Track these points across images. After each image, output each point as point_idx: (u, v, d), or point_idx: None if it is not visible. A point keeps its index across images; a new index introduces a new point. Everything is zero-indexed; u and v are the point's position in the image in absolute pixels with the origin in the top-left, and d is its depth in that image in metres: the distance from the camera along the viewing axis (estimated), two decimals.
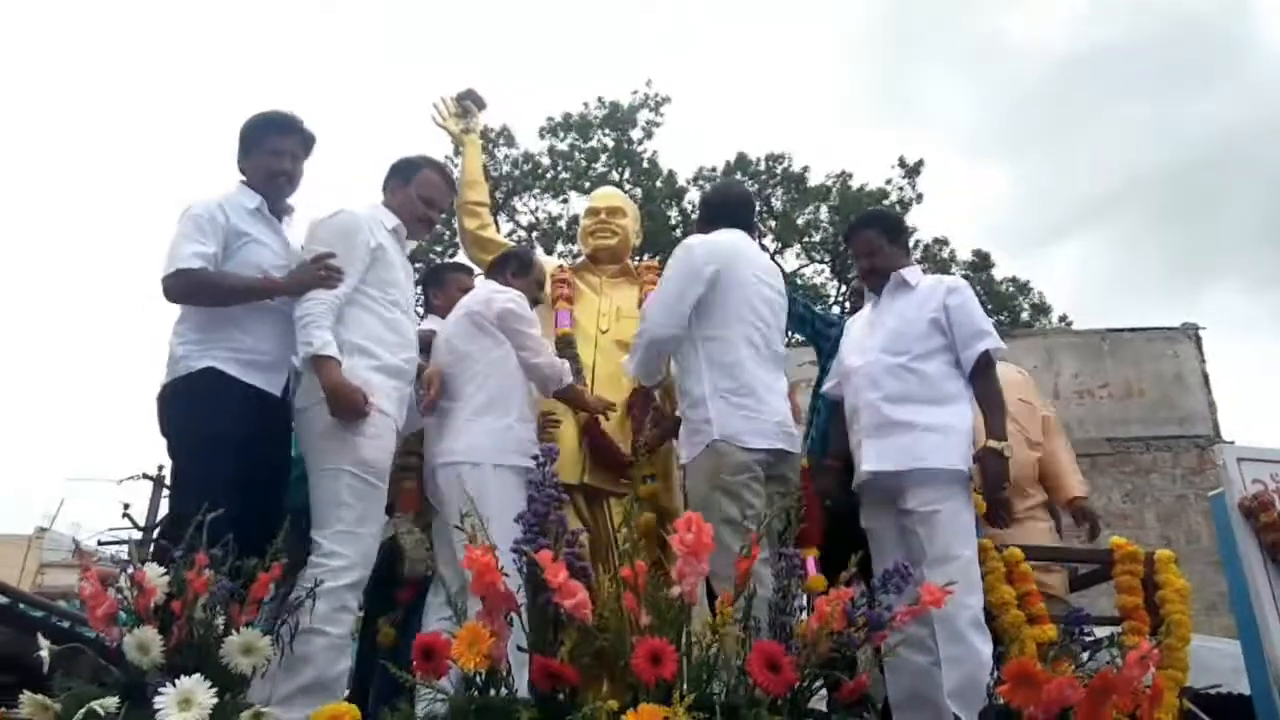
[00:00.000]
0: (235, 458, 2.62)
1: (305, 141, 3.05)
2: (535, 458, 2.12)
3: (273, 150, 2.98)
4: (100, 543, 19.34)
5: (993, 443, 2.77)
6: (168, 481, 18.64)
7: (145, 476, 19.35)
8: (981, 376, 2.89)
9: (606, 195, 4.17)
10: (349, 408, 2.63)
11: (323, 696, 2.44)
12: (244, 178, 3.00)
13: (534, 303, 3.37)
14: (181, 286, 2.75)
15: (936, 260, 18.58)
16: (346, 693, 2.72)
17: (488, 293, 3.15)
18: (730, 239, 3.09)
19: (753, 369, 2.91)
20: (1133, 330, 13.03)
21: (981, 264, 19.16)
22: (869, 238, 3.21)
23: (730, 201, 3.32)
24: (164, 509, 19.22)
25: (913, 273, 3.11)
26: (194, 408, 2.69)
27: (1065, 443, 3.73)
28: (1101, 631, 2.89)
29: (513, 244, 3.85)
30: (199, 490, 2.40)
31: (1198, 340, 12.88)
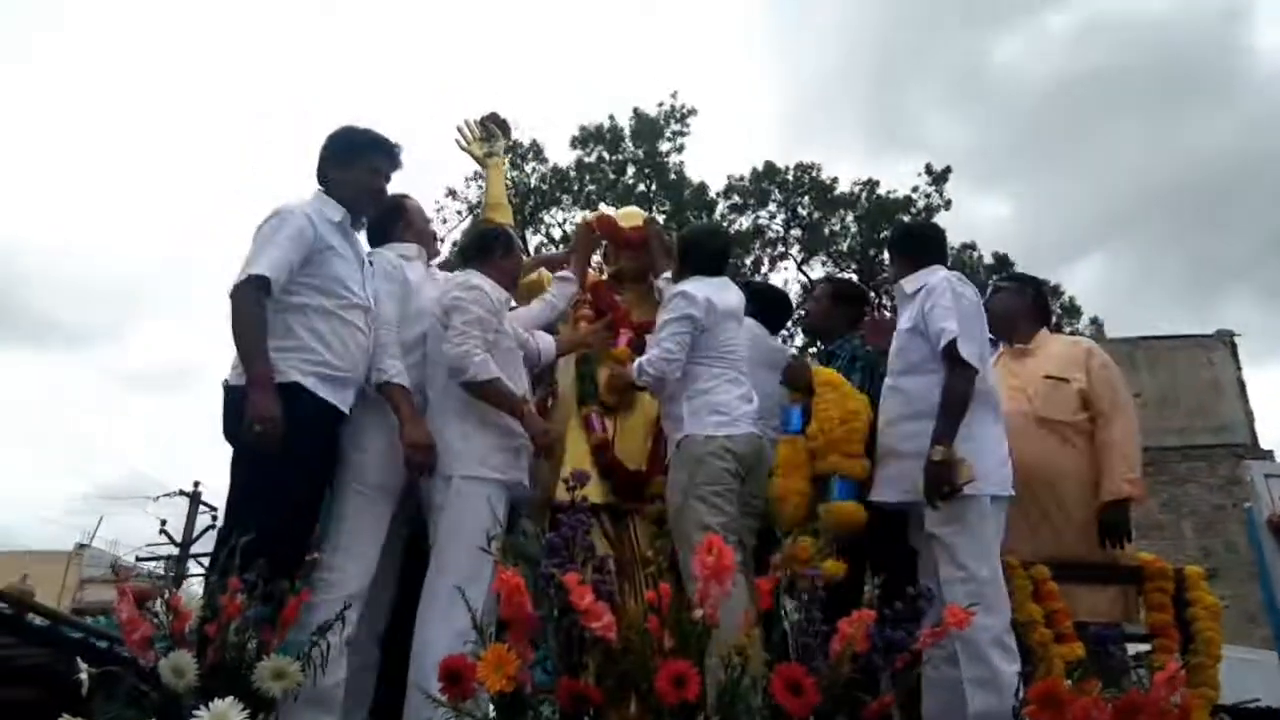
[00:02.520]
0: (305, 477, 2.67)
1: (397, 166, 3.16)
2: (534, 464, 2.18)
3: (375, 169, 3.07)
4: (138, 559, 19.66)
5: (931, 450, 2.72)
6: (203, 498, 18.93)
7: (182, 493, 19.66)
8: (946, 374, 2.82)
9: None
10: (424, 463, 2.78)
11: (320, 708, 2.49)
12: (326, 186, 3.01)
13: (521, 272, 3.43)
14: (242, 296, 2.67)
15: (966, 265, 18.45)
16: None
17: (448, 289, 3.08)
18: (712, 292, 3.21)
19: (728, 389, 3.12)
20: (1167, 338, 12.87)
21: (1002, 267, 18.99)
22: (889, 259, 3.42)
23: (710, 251, 3.43)
24: (200, 525, 19.53)
25: (914, 280, 3.08)
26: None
27: (1126, 428, 3.23)
28: (1132, 649, 2.88)
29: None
30: (265, 506, 2.47)
31: (1233, 348, 12.69)
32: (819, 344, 3.79)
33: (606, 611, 1.87)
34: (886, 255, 3.43)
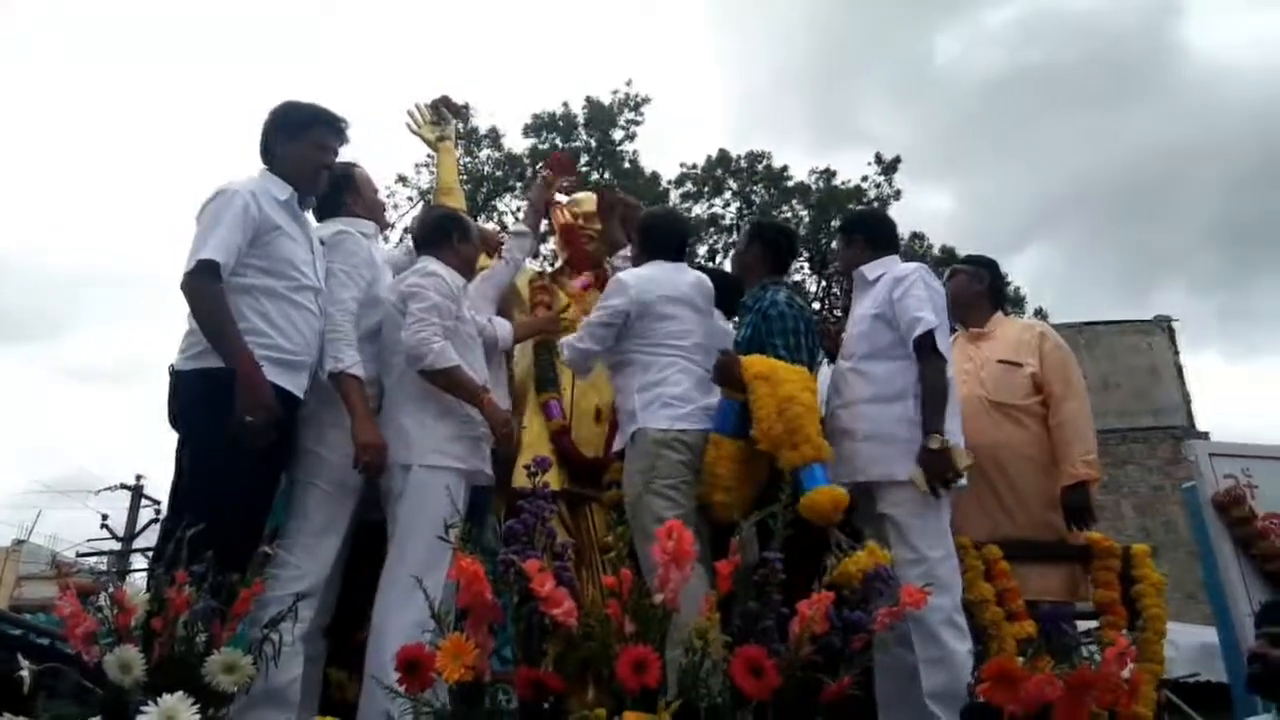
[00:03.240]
0: (257, 464, 2.59)
1: (343, 142, 3.05)
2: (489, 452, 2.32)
3: (320, 144, 2.95)
4: (79, 554, 19.18)
5: (926, 439, 2.74)
6: (146, 491, 18.49)
7: (124, 487, 19.20)
8: (921, 364, 2.83)
9: (582, 201, 4.18)
10: (374, 464, 2.71)
11: (276, 705, 2.46)
12: (270, 164, 2.91)
13: (478, 258, 3.36)
14: (198, 285, 2.58)
15: (916, 256, 18.70)
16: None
17: (405, 275, 3.02)
18: (658, 274, 3.19)
19: (679, 379, 3.04)
20: (1107, 323, 13.19)
21: (949, 260, 19.28)
22: (838, 244, 3.38)
23: (669, 235, 3.40)
24: (143, 519, 19.09)
25: (875, 267, 3.08)
26: (223, 407, 2.51)
27: (1078, 409, 3.28)
28: (1080, 626, 2.94)
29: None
30: (214, 495, 2.41)
31: (1171, 333, 13.05)
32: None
33: (567, 598, 1.85)
34: (841, 240, 3.38)
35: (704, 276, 3.32)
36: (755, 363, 2.96)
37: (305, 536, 2.70)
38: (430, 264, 3.01)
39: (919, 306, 2.85)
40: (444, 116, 4.05)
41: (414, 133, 4.03)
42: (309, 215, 3.02)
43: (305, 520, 2.73)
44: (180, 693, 1.87)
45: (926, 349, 2.82)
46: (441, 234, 3.15)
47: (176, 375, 2.65)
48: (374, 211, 3.21)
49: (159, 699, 1.85)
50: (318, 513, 2.73)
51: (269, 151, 2.93)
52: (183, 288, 2.61)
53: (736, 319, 3.37)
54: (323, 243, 2.96)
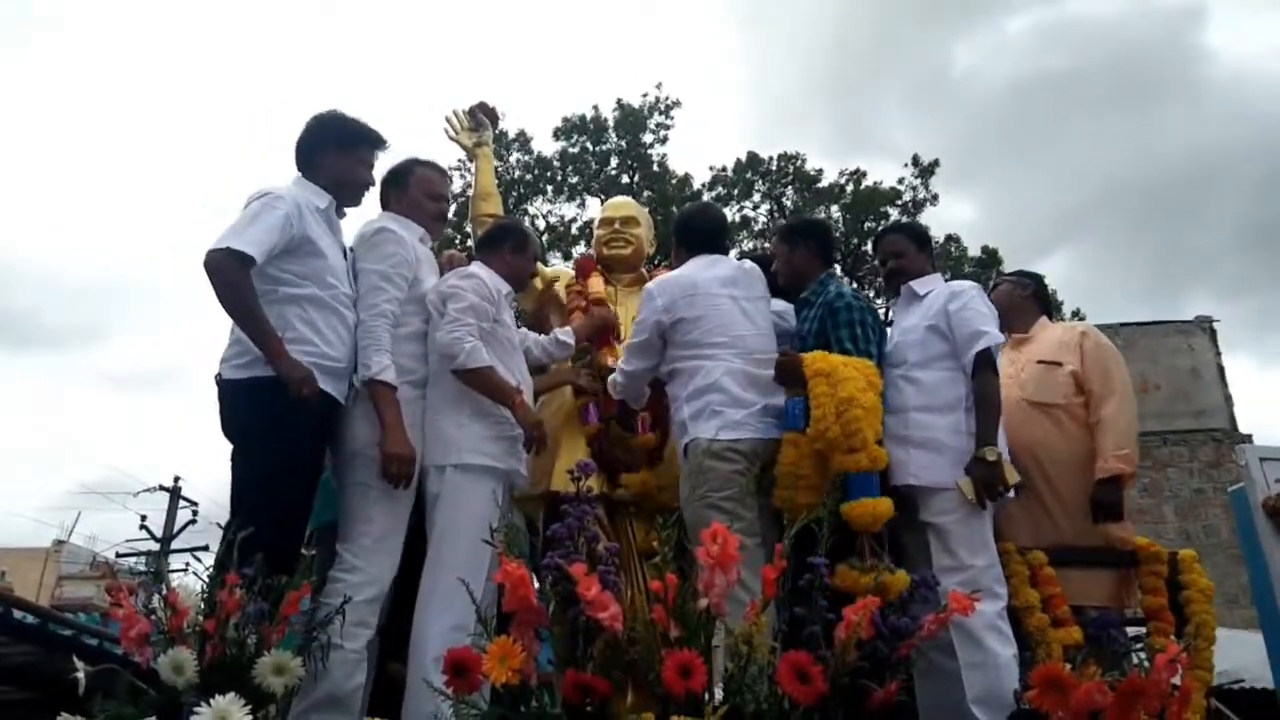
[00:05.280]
0: (307, 470, 2.64)
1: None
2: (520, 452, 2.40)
3: (365, 162, 3.03)
4: (118, 555, 19.50)
5: (979, 451, 2.75)
6: (184, 493, 18.74)
7: (162, 489, 19.49)
8: (978, 377, 2.87)
9: (620, 205, 4.17)
10: (401, 474, 2.69)
11: (339, 711, 2.47)
12: (307, 170, 2.94)
13: (532, 276, 3.39)
14: (225, 265, 2.59)
15: (950, 258, 18.53)
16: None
17: (446, 278, 3.03)
18: (693, 272, 3.17)
19: (730, 385, 2.98)
20: (1147, 324, 12.98)
21: (990, 261, 19.08)
22: (895, 240, 3.34)
23: (703, 228, 3.39)
24: (180, 520, 19.38)
25: (924, 283, 3.15)
26: (274, 415, 2.57)
27: (1117, 406, 3.17)
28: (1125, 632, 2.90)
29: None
30: (267, 502, 2.46)
31: (1212, 334, 12.82)
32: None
33: (613, 602, 1.86)
34: (904, 238, 3.34)
35: (744, 263, 3.27)
36: (816, 359, 2.90)
37: (371, 540, 2.67)
38: (474, 266, 3.05)
39: (982, 321, 2.91)
40: (481, 122, 4.07)
41: (452, 139, 4.04)
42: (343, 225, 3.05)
43: (369, 524, 2.69)
44: (232, 694, 1.90)
45: (985, 363, 2.86)
46: (495, 241, 3.20)
47: (225, 385, 2.69)
48: (414, 213, 3.10)
49: (211, 700, 1.88)
50: (380, 516, 2.70)
51: (312, 158, 2.95)
52: (207, 264, 2.61)
53: (774, 303, 3.33)
54: (351, 249, 2.96)
